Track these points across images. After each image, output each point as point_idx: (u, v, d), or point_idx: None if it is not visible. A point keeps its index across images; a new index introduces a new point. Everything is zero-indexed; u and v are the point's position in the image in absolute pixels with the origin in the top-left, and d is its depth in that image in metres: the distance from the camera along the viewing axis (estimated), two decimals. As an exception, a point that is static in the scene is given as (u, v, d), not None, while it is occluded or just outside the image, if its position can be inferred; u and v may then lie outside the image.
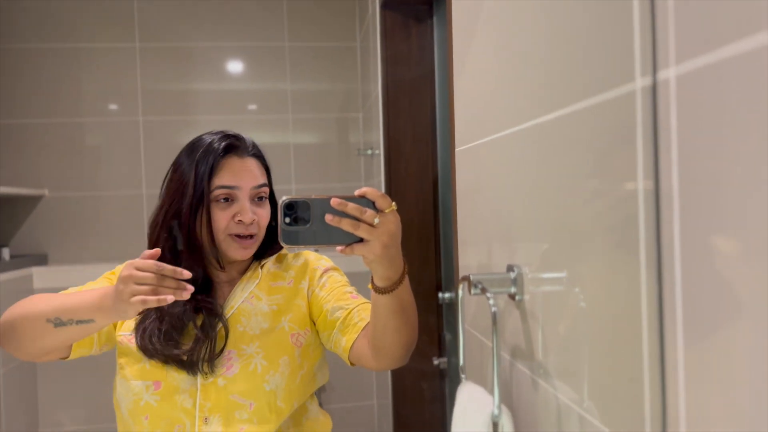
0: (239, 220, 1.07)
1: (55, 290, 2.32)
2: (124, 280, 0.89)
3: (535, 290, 0.71)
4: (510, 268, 0.76)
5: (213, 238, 1.07)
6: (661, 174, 0.45)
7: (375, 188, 0.83)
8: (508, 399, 0.80)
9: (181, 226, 1.07)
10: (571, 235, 0.61)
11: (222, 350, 1.05)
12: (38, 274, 2.38)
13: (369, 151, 2.24)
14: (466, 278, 0.77)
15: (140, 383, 1.05)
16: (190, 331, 1.05)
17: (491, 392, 0.75)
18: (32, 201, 2.49)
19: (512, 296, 0.76)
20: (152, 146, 2.58)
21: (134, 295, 0.88)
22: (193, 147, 1.11)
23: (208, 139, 1.11)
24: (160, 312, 1.05)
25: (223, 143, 1.10)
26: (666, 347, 0.46)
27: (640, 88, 0.47)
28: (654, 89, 0.45)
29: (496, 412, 0.69)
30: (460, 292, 0.82)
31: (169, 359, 1.04)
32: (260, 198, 1.11)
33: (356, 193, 0.82)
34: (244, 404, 1.04)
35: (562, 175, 0.62)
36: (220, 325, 1.07)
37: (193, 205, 1.07)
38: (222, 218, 1.07)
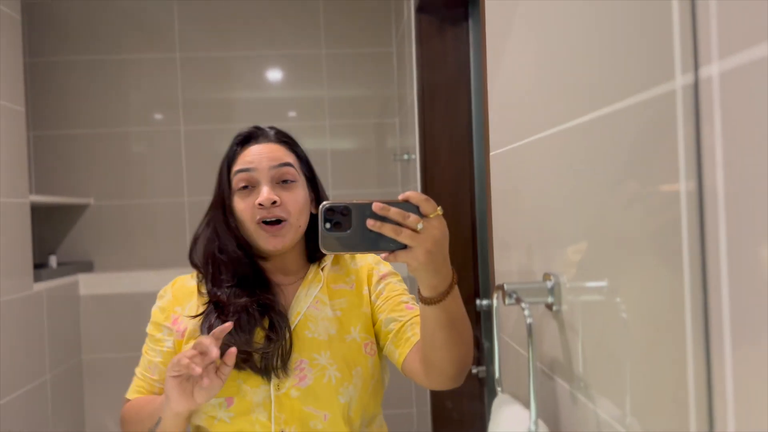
0: (259, 204, 1.04)
1: (101, 297, 2.40)
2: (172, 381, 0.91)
3: (573, 300, 0.68)
4: (547, 277, 0.73)
5: (245, 229, 1.06)
6: (705, 176, 0.42)
7: (418, 192, 0.80)
8: (545, 414, 0.77)
9: (218, 224, 1.08)
10: (611, 241, 0.58)
11: (290, 350, 1.03)
12: (84, 281, 2.44)
13: (406, 156, 2.22)
14: (501, 287, 0.74)
15: (213, 401, 1.02)
16: (258, 333, 1.03)
17: (528, 406, 0.72)
18: (78, 209, 2.56)
19: (549, 306, 0.73)
20: (193, 155, 2.62)
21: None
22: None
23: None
24: (224, 309, 1.03)
25: (242, 135, 1.11)
26: (713, 360, 0.43)
27: (681, 87, 0.44)
28: (696, 87, 0.42)
29: (533, 428, 0.66)
30: (494, 301, 0.80)
31: (242, 360, 1.00)
32: (285, 181, 1.07)
33: (399, 197, 0.79)
34: (319, 415, 1.02)
35: (601, 178, 0.59)
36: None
37: (221, 199, 1.08)
38: (246, 207, 1.05)
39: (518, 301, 0.70)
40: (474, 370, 1.90)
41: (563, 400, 0.72)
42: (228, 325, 0.93)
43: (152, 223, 2.61)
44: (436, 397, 2.02)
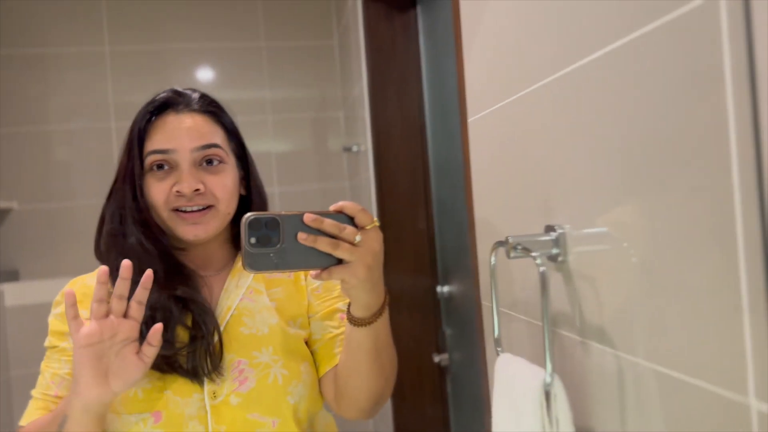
0: (177, 192, 0.89)
1: (29, 307, 2.22)
2: (84, 349, 0.75)
3: (582, 249, 0.67)
4: (550, 228, 0.72)
5: (159, 218, 0.91)
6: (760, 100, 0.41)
7: (353, 202, 0.74)
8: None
9: (124, 211, 0.91)
10: (628, 184, 0.57)
11: (221, 354, 0.88)
12: (10, 291, 2.25)
13: (355, 148, 2.19)
14: (503, 242, 0.72)
15: (135, 417, 0.86)
16: (180, 332, 0.88)
17: (533, 362, 0.70)
18: (0, 214, 2.37)
19: (553, 258, 0.71)
20: (126, 154, 2.48)
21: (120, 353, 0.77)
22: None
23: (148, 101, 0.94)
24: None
25: (157, 101, 0.93)
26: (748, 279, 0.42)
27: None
28: (747, -11, 0.41)
29: (548, 380, 0.64)
30: (492, 259, 0.77)
31: (165, 364, 0.86)
32: (211, 162, 0.92)
33: (332, 208, 0.73)
34: (266, 422, 0.88)
35: (613, 117, 0.58)
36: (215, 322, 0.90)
37: (129, 181, 0.90)
38: (159, 191, 0.90)
39: (526, 252, 0.68)
40: (436, 359, 1.89)
41: (569, 351, 0.71)
42: (148, 275, 0.79)
43: (82, 227, 2.44)
44: (396, 387, 1.99)
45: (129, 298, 0.80)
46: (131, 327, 0.78)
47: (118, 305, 0.78)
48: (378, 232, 0.75)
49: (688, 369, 0.51)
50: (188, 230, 0.91)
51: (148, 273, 0.79)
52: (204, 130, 0.93)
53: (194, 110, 0.94)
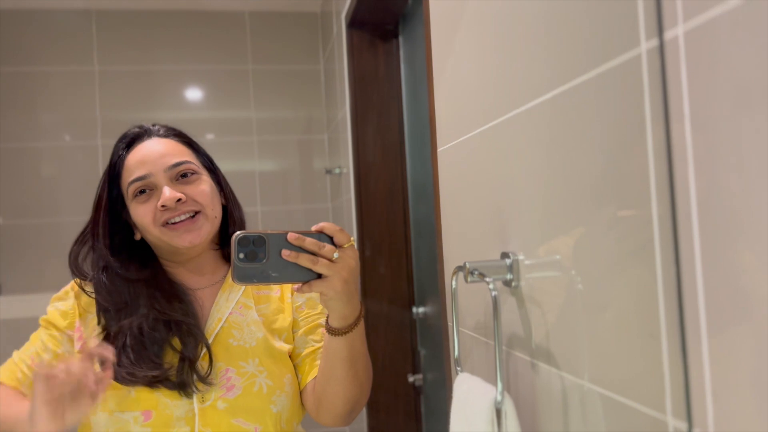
0: (162, 206, 0.95)
1: (12, 321, 2.23)
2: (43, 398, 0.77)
3: (533, 276, 0.71)
4: (505, 255, 0.76)
5: (151, 237, 0.98)
6: (673, 138, 0.46)
7: (333, 223, 0.82)
8: (505, 386, 0.80)
9: (98, 241, 0.99)
10: (572, 216, 0.62)
11: (210, 366, 0.94)
12: (-9, 304, 2.27)
13: (338, 170, 2.24)
14: (462, 267, 0.76)
15: (126, 415, 0.91)
16: (169, 353, 0.94)
17: (489, 381, 0.75)
18: (-16, 229, 2.38)
19: (507, 283, 0.76)
20: (112, 171, 2.51)
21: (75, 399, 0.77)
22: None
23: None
24: (124, 335, 0.93)
25: (126, 139, 1.01)
26: (687, 325, 0.47)
27: (646, 51, 0.48)
28: (661, 50, 0.47)
29: (499, 398, 0.69)
30: (453, 283, 0.82)
31: (155, 382, 0.90)
32: (185, 175, 0.99)
33: (314, 228, 0.81)
34: (249, 428, 0.94)
35: (560, 155, 0.63)
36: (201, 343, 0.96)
37: (109, 214, 0.99)
38: (145, 212, 0.96)
39: (481, 276, 0.73)
40: (410, 379, 1.92)
41: (522, 372, 0.75)
42: (109, 356, 0.82)
43: (66, 243, 2.46)
44: (371, 407, 2.02)
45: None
46: (86, 377, 0.80)
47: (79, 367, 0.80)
48: (354, 250, 0.82)
49: (621, 389, 0.55)
50: (183, 238, 0.96)
51: (107, 375, 0.81)
52: (174, 151, 1.00)
53: (160, 135, 1.03)
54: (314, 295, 1.06)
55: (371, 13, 1.93)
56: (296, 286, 0.80)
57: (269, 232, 0.78)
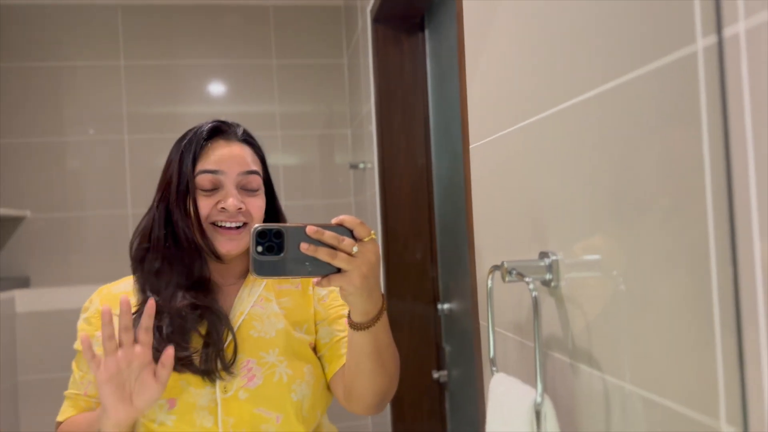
0: (222, 207, 1.00)
1: (39, 314, 2.27)
2: (107, 384, 0.84)
3: (573, 276, 0.70)
4: (544, 255, 0.75)
5: (199, 229, 1.00)
6: (732, 139, 0.45)
7: (353, 216, 0.80)
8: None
9: (171, 220, 1.01)
10: (617, 215, 0.61)
11: (235, 355, 0.97)
12: (20, 297, 2.30)
13: (362, 165, 2.23)
14: (498, 266, 0.75)
15: None
16: (195, 338, 0.98)
17: (525, 382, 0.74)
18: (14, 222, 2.42)
19: (546, 283, 0.75)
20: (138, 165, 2.54)
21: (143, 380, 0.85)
22: (182, 137, 1.06)
23: (196, 127, 1.06)
24: (159, 315, 0.96)
25: (209, 127, 1.05)
26: (744, 323, 0.46)
27: (702, 48, 0.47)
28: (720, 47, 0.45)
29: (539, 399, 0.68)
30: (489, 282, 0.81)
31: (180, 365, 0.94)
32: (250, 184, 1.04)
33: (333, 221, 0.79)
34: (271, 417, 0.97)
35: (607, 153, 0.62)
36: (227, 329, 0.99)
37: (179, 194, 1.01)
38: (205, 206, 1.00)
39: (520, 276, 0.72)
40: (435, 375, 1.92)
41: (560, 373, 0.74)
42: (151, 304, 0.87)
43: (93, 236, 2.50)
44: (395, 405, 2.02)
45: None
46: (143, 353, 0.86)
47: (126, 337, 0.85)
48: (375, 244, 0.81)
49: (668, 393, 0.54)
50: (225, 244, 1.01)
51: (151, 303, 0.87)
52: (248, 158, 1.05)
53: (240, 140, 1.07)
54: (335, 288, 1.06)
55: (396, 8, 1.92)
56: (315, 280, 0.79)
57: (288, 225, 0.77)
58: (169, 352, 0.87)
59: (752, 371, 0.44)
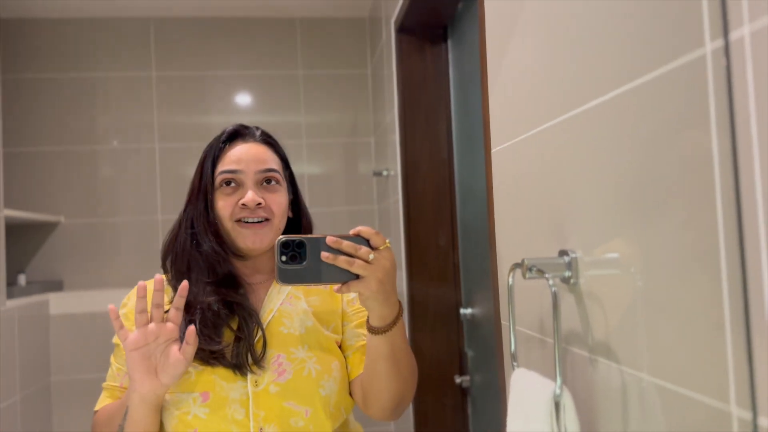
0: (242, 204, 1.04)
1: (71, 316, 2.34)
2: (133, 361, 0.90)
3: (592, 273, 0.73)
4: (563, 253, 0.78)
5: (223, 228, 1.05)
6: (738, 138, 0.48)
7: (370, 227, 0.86)
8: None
9: (197, 220, 1.06)
10: (634, 215, 0.63)
11: (264, 350, 1.01)
12: (54, 299, 2.38)
13: (385, 172, 2.27)
14: (519, 264, 0.78)
15: (186, 395, 0.99)
16: (227, 333, 1.01)
17: (547, 376, 0.76)
18: (48, 227, 2.50)
19: (566, 280, 0.78)
20: (168, 172, 2.61)
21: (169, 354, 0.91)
22: (207, 144, 1.12)
23: (219, 133, 1.12)
24: (191, 309, 1.00)
25: (228, 131, 1.11)
26: (752, 316, 0.48)
27: (711, 51, 0.50)
28: (727, 50, 0.48)
29: (558, 391, 0.70)
30: (509, 279, 0.84)
31: (212, 358, 0.99)
32: (269, 182, 1.08)
33: (351, 232, 0.85)
34: (300, 411, 1.00)
35: (622, 155, 0.65)
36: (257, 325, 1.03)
37: (201, 195, 1.06)
38: (226, 205, 1.05)
39: (540, 273, 0.75)
40: (457, 380, 1.93)
41: (579, 367, 0.77)
42: (184, 285, 0.93)
43: (124, 242, 2.57)
44: (418, 410, 2.04)
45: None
46: (171, 330, 0.93)
47: (156, 313, 0.92)
48: (390, 252, 0.87)
49: (682, 380, 0.57)
50: (248, 240, 1.05)
51: (184, 284, 0.94)
52: (265, 157, 1.09)
53: (258, 141, 1.12)
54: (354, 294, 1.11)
55: (420, 18, 1.96)
56: (336, 286, 0.85)
57: (309, 236, 0.84)
58: (192, 329, 0.92)
59: (760, 358, 0.46)
